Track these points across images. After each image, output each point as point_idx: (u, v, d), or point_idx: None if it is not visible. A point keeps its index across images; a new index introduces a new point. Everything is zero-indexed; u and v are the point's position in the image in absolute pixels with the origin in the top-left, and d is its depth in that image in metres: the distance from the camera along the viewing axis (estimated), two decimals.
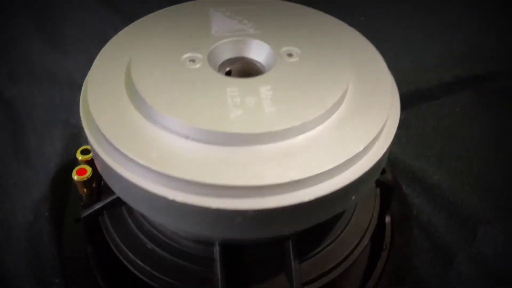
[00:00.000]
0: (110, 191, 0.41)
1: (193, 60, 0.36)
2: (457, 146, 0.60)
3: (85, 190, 0.41)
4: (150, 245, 0.39)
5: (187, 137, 0.31)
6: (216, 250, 0.37)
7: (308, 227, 0.34)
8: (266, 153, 0.31)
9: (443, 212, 0.53)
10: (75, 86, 0.65)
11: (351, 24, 0.42)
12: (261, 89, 0.34)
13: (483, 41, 0.75)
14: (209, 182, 0.29)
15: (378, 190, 0.45)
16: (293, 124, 0.31)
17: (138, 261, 0.38)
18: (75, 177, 0.40)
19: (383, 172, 0.46)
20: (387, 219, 0.48)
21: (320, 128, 0.32)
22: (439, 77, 0.66)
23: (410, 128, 0.62)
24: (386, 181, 0.45)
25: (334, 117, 0.33)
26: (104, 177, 0.34)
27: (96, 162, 0.34)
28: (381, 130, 0.33)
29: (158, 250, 0.39)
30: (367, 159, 0.32)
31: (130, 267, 0.39)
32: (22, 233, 0.49)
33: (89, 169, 0.41)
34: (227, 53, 0.38)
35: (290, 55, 0.37)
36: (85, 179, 0.40)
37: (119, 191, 0.34)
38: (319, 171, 0.30)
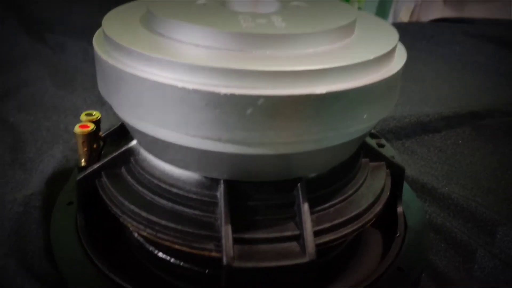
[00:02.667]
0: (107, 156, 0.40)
1: (205, 4, 0.37)
2: (464, 168, 0.59)
3: (85, 149, 0.40)
4: (149, 196, 0.36)
5: (197, 45, 0.32)
6: (221, 189, 0.34)
7: (319, 147, 0.32)
8: (279, 56, 0.31)
9: (457, 218, 0.50)
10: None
11: None
12: (272, 17, 0.35)
13: (478, 84, 0.78)
14: (219, 66, 0.29)
15: (388, 171, 0.43)
16: (304, 31, 0.32)
17: (138, 211, 0.36)
18: (77, 130, 0.39)
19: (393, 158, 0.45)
20: (399, 207, 0.45)
21: (331, 46, 0.33)
22: (438, 112, 0.67)
23: (415, 154, 0.62)
24: (398, 163, 0.44)
25: (344, 41, 0.34)
26: (107, 90, 0.33)
27: (101, 74, 0.34)
28: (391, 51, 0.34)
29: (158, 199, 0.36)
30: (378, 75, 0.32)
31: (128, 220, 0.36)
32: (8, 222, 0.45)
33: (91, 125, 0.40)
34: (238, 8, 0.40)
35: (298, 6, 0.39)
36: (86, 133, 0.39)
37: (125, 101, 0.32)
38: (329, 66, 0.30)
